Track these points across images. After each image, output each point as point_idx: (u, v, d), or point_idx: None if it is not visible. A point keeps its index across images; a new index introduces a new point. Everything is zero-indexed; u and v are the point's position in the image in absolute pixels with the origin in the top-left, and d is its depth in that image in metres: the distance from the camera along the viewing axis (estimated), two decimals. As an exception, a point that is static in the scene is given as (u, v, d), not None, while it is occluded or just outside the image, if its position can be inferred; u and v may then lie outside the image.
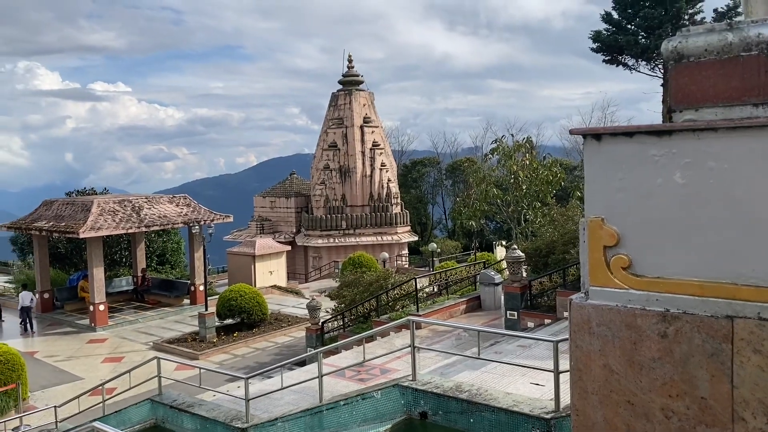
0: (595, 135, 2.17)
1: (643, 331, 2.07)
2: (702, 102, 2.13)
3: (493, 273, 17.37)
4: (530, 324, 13.98)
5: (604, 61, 12.02)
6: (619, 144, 2.11)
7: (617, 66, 11.69)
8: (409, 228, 44.28)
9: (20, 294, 22.99)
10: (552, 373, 6.59)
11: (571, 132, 2.25)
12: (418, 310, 16.00)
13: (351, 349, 15.47)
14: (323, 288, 30.70)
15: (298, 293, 28.97)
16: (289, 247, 34.88)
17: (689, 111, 2.15)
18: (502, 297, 17.64)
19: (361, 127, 42.99)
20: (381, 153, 43.39)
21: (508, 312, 14.18)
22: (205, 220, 24.16)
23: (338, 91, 43.92)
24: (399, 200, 43.84)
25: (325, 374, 11.61)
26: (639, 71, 11.43)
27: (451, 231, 56.91)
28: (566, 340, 7.33)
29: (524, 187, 19.98)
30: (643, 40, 10.53)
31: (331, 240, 41.34)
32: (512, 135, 20.55)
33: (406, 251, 43.35)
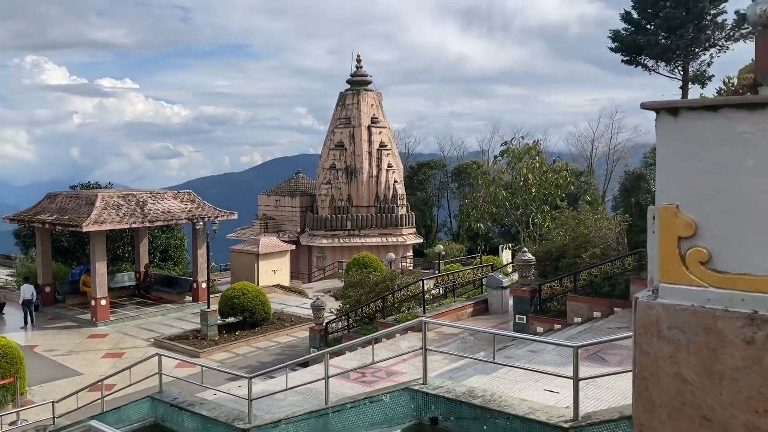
0: (670, 109, 1.88)
1: (724, 335, 1.79)
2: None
3: (500, 276, 17.07)
4: (539, 329, 13.68)
5: (622, 61, 11.74)
6: (701, 119, 1.83)
7: (636, 66, 11.40)
8: (414, 230, 43.99)
9: (22, 287, 22.78)
10: (567, 380, 6.32)
11: (642, 106, 1.96)
12: (424, 312, 15.72)
13: (355, 351, 15.19)
14: (327, 288, 30.41)
15: (301, 293, 28.70)
16: (293, 247, 34.63)
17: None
18: (510, 301, 17.39)
19: (369, 128, 42.75)
20: (388, 154, 43.13)
21: (516, 316, 13.88)
22: (209, 217, 23.92)
23: (346, 90, 43.69)
24: (405, 202, 43.55)
25: (331, 376, 11.38)
26: (658, 72, 11.17)
27: (455, 234, 56.53)
28: (587, 345, 7.01)
29: (533, 190, 19.69)
30: (664, 40, 10.26)
31: (336, 240, 41.07)
32: (522, 138, 20.28)
33: (410, 253, 43.05)
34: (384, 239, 41.62)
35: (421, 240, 44.87)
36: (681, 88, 11.12)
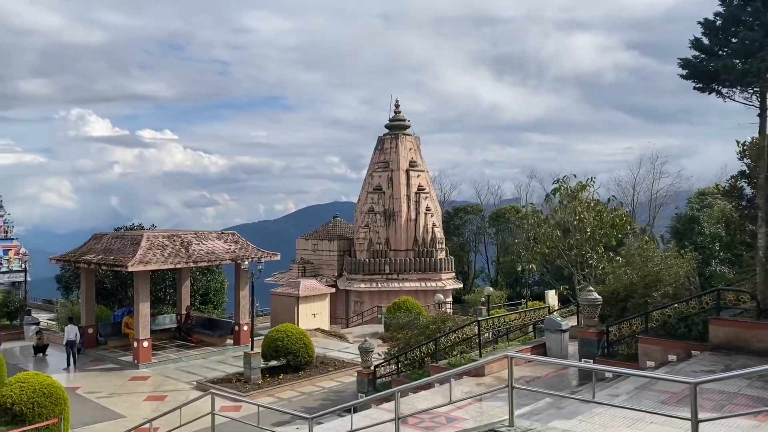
0: None
1: None
2: None
3: (559, 319, 16.23)
4: (608, 374, 12.76)
5: (695, 88, 11.28)
6: None
7: (710, 94, 10.91)
8: (453, 275, 43.16)
9: (66, 327, 22.68)
10: (667, 428, 5.61)
11: None
12: (480, 356, 14.93)
13: (407, 396, 14.43)
14: (367, 333, 29.68)
15: (342, 337, 28.02)
16: (333, 290, 34.18)
17: None
18: (568, 345, 16.48)
19: (407, 171, 42.63)
20: (426, 197, 42.80)
21: (583, 360, 13.01)
22: (252, 257, 23.67)
23: (384, 135, 43.86)
24: (444, 245, 42.91)
25: (386, 421, 10.68)
26: (733, 99, 10.65)
27: (493, 280, 55.47)
28: (708, 381, 6.25)
29: (588, 230, 18.95)
30: (741, 64, 9.78)
31: (374, 284, 40.46)
32: (574, 176, 19.67)
33: (450, 298, 42.07)
34: (423, 284, 40.87)
35: (460, 285, 43.99)
36: (758, 115, 10.55)
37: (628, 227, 19.72)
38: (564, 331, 15.90)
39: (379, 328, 30.28)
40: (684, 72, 11.14)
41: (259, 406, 9.36)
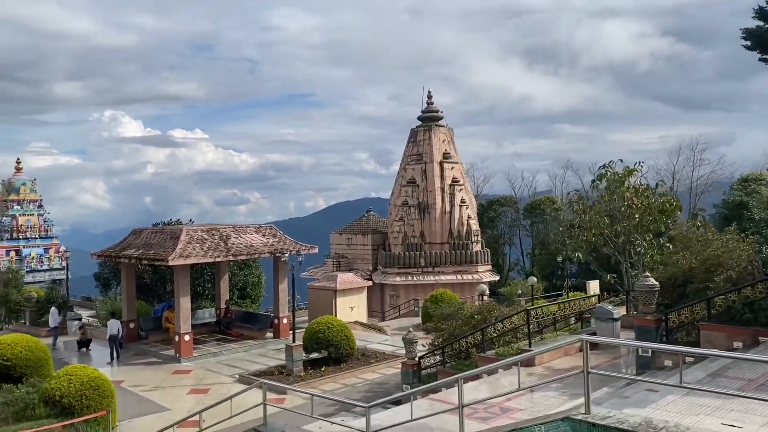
0: None
1: None
2: None
3: (610, 307, 15.68)
4: (667, 362, 12.23)
5: (760, 59, 10.68)
6: None
7: (775, 63, 10.36)
8: (490, 267, 42.60)
9: (108, 322, 22.89)
10: (748, 415, 5.15)
11: None
12: (530, 345, 14.50)
13: (453, 388, 14.06)
14: (404, 326, 29.40)
15: (380, 330, 27.79)
16: (370, 283, 33.97)
17: None
18: (620, 334, 15.92)
19: (441, 163, 42.13)
20: (461, 189, 42.27)
21: (639, 349, 12.47)
22: (291, 251, 23.55)
23: (417, 127, 43.41)
24: (479, 238, 42.35)
25: (441, 412, 10.35)
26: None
27: (528, 273, 54.63)
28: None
29: (637, 216, 18.29)
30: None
31: (410, 278, 40.15)
32: (620, 161, 18.97)
33: (486, 291, 41.46)
34: (459, 276, 40.41)
35: (497, 277, 43.38)
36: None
37: (678, 213, 18.95)
38: (615, 319, 15.38)
39: (417, 321, 29.97)
40: (747, 43, 10.52)
41: (312, 395, 9.13)
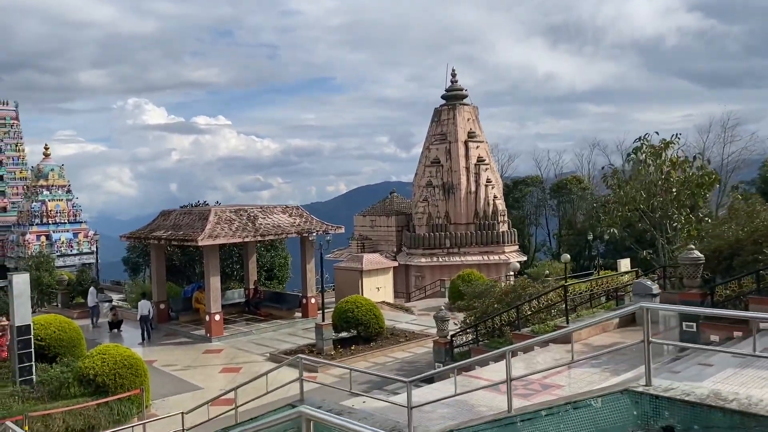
0: None
1: None
2: None
3: (649, 283, 15.23)
4: (713, 337, 11.81)
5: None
6: None
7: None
8: (516, 247, 42.09)
9: (139, 303, 23.02)
10: None
11: None
12: (567, 322, 14.15)
13: (488, 366, 13.80)
14: (430, 307, 29.17)
15: (408, 310, 27.60)
16: (396, 263, 33.76)
17: None
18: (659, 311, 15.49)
19: (465, 142, 41.55)
20: (486, 169, 41.68)
21: (684, 323, 12.06)
22: (318, 231, 23.39)
23: (441, 106, 42.80)
24: (506, 218, 41.79)
25: (481, 388, 10.10)
26: None
27: (555, 254, 54.00)
28: None
29: (674, 190, 17.72)
30: None
31: (435, 259, 39.86)
32: (656, 133, 18.35)
33: (518, 268, 41.05)
34: (485, 257, 39.98)
35: (524, 258, 42.86)
36: None
37: (717, 186, 18.33)
38: (654, 295, 14.92)
39: (443, 302, 29.72)
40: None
41: (351, 369, 8.94)
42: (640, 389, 5.71)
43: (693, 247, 11.95)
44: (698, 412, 5.31)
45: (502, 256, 40.02)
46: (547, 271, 35.22)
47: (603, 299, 18.31)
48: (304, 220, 24.19)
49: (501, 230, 40.62)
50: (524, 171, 63.59)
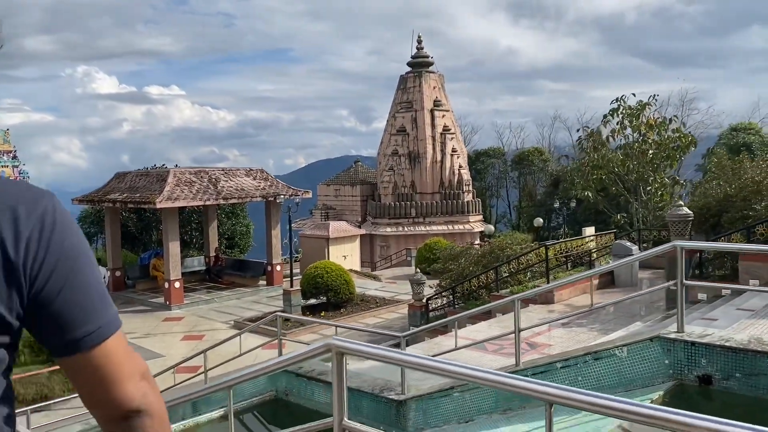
0: None
1: None
2: None
3: (628, 243, 14.97)
4: (701, 296, 11.55)
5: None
6: None
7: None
8: (481, 217, 41.93)
9: (93, 270, 21.71)
10: None
11: None
12: (548, 281, 13.77)
13: (464, 327, 13.35)
14: (397, 276, 28.72)
15: (375, 278, 27.06)
16: (363, 231, 33.07)
17: None
18: (638, 272, 15.30)
19: (432, 111, 40.84)
20: (452, 138, 41.15)
21: (670, 282, 11.76)
22: (283, 195, 22.43)
23: (407, 73, 41.87)
24: (471, 188, 41.49)
25: (464, 346, 9.57)
26: None
27: (515, 225, 54.29)
28: None
29: (650, 153, 17.47)
30: None
31: (400, 228, 39.31)
32: (633, 95, 17.98)
33: (478, 241, 40.88)
34: (450, 227, 39.64)
35: (490, 227, 42.73)
36: None
37: (693, 148, 18.18)
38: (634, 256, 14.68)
39: (409, 271, 29.25)
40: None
41: (337, 326, 8.22)
42: (673, 336, 5.18)
43: (682, 203, 11.61)
44: (741, 358, 4.81)
45: (467, 226, 39.80)
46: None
47: (569, 265, 18.02)
48: (269, 183, 23.18)
49: (466, 200, 40.33)
50: (486, 144, 63.49)
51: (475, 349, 10.35)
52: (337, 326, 8.49)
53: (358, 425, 2.73)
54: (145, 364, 1.13)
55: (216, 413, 8.10)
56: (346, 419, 2.64)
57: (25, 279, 0.90)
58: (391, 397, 7.18)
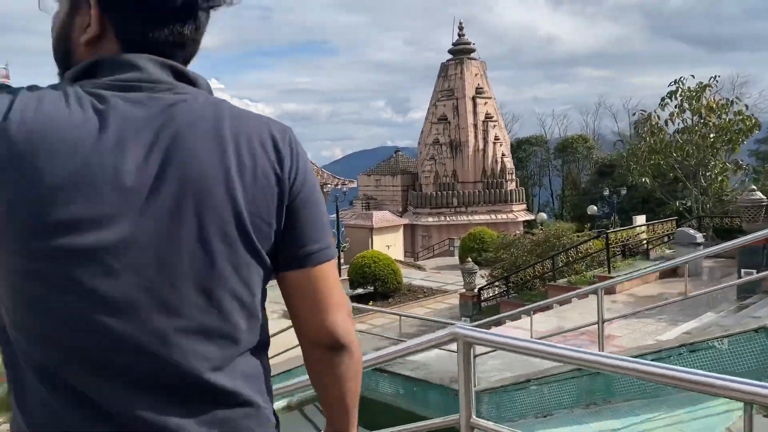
0: None
1: None
2: None
3: (692, 231, 14.35)
4: (772, 286, 10.95)
5: None
6: None
7: None
8: (524, 206, 41.25)
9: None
10: None
11: None
12: (609, 272, 13.28)
13: (520, 320, 12.99)
14: (440, 266, 28.45)
15: (420, 267, 26.81)
16: (406, 221, 32.83)
17: None
18: (703, 261, 14.66)
19: (473, 99, 40.25)
20: (494, 126, 40.51)
21: (743, 270, 11.18)
22: (330, 184, 22.34)
23: (448, 61, 41.36)
24: (514, 176, 40.83)
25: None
26: None
27: (558, 214, 53.31)
28: None
29: (712, 136, 16.72)
30: None
31: (442, 218, 38.96)
32: (692, 76, 17.21)
33: (521, 230, 40.23)
34: (493, 216, 39.09)
35: (533, 217, 42.00)
36: None
37: (757, 131, 17.34)
38: (698, 244, 14.07)
39: (452, 261, 28.93)
40: None
41: (400, 315, 8.00)
42: (782, 326, 4.79)
43: (755, 188, 11.00)
44: None
45: (510, 215, 39.19)
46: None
47: (625, 254, 17.43)
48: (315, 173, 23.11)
49: (509, 189, 39.71)
50: (526, 133, 62.50)
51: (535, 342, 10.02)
52: (400, 315, 8.27)
53: (489, 423, 2.49)
54: (349, 301, 1.13)
55: (278, 404, 8.00)
56: (474, 416, 2.41)
57: (287, 194, 0.96)
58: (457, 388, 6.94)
